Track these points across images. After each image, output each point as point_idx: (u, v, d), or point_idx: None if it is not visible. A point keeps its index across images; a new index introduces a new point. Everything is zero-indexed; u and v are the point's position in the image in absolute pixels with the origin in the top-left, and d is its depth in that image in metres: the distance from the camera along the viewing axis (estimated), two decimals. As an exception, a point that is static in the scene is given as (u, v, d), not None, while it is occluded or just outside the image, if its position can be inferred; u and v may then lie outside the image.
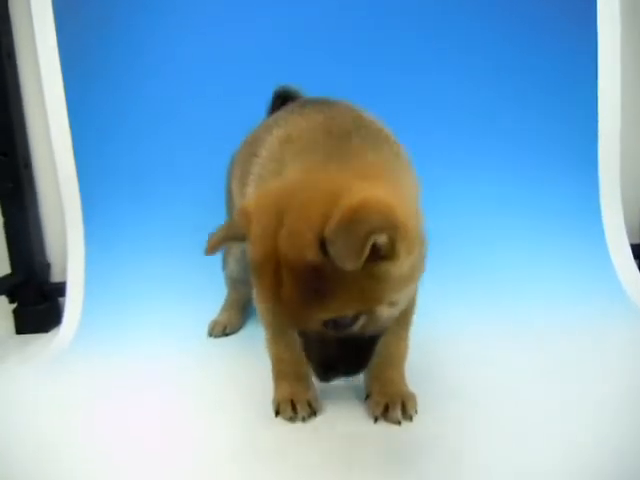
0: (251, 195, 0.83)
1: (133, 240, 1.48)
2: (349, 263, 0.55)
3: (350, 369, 0.71)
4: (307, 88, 1.16)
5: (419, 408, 0.87)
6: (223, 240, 0.69)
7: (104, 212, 1.49)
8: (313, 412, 0.88)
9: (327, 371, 0.69)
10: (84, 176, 1.50)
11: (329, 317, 0.63)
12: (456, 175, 1.49)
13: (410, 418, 0.85)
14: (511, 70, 1.49)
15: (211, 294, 1.35)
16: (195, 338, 1.27)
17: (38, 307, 1.49)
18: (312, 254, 0.59)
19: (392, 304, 0.66)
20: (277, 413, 0.88)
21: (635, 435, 0.80)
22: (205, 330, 1.30)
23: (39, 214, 1.54)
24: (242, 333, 1.30)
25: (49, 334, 1.44)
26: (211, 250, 0.68)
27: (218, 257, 1.29)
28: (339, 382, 0.95)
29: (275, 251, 0.62)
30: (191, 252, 1.38)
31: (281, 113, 0.96)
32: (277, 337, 0.90)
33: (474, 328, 1.22)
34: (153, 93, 1.48)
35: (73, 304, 1.44)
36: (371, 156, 0.73)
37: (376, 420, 0.86)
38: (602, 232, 1.48)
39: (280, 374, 0.92)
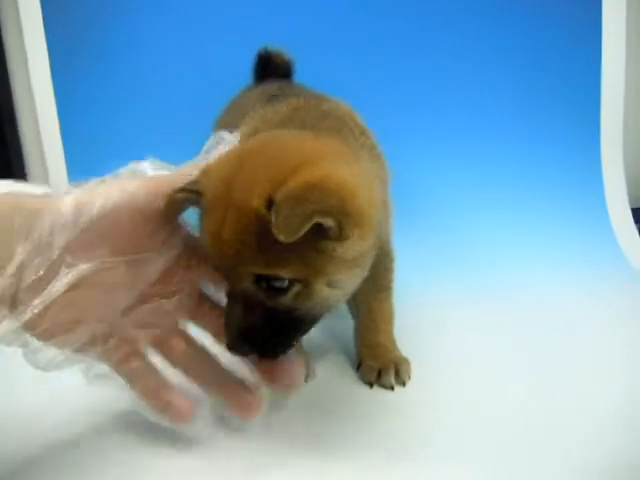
0: None
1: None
2: (283, 235, 0.52)
3: (267, 348, 0.63)
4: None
5: (412, 374, 0.86)
6: (179, 192, 0.61)
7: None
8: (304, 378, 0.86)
9: (242, 342, 0.61)
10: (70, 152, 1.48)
11: (263, 272, 0.58)
12: (448, 135, 1.46)
13: (403, 383, 0.84)
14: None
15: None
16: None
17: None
18: (260, 204, 0.55)
19: (332, 285, 0.61)
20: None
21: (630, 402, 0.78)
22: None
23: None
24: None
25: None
26: (168, 204, 0.61)
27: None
28: (330, 348, 0.97)
29: (227, 193, 0.58)
30: None
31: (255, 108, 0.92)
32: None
33: (466, 294, 1.18)
34: (138, 59, 1.45)
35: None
36: (336, 142, 0.69)
37: (372, 386, 0.84)
38: (602, 196, 1.45)
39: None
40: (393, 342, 0.90)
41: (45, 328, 0.56)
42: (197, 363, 0.68)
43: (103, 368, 0.64)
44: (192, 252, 0.66)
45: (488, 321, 1.07)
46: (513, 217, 1.42)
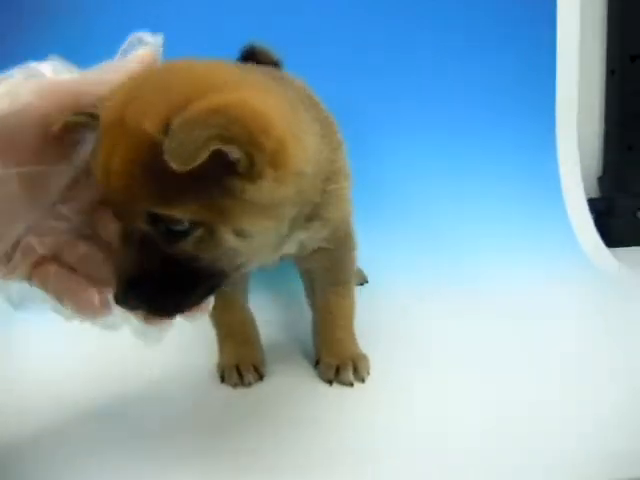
0: None
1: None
2: (176, 162, 0.43)
3: (160, 304, 0.53)
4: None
5: (371, 370, 0.84)
6: (76, 115, 0.51)
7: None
8: (260, 377, 0.83)
9: (132, 293, 0.51)
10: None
11: (157, 211, 0.49)
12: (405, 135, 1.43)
13: (362, 380, 0.81)
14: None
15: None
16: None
17: None
18: (154, 129, 0.47)
19: (240, 234, 0.52)
20: (222, 379, 0.82)
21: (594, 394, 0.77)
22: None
23: None
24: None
25: None
26: (62, 128, 0.50)
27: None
28: (288, 344, 0.94)
29: (120, 119, 0.49)
30: None
31: None
32: (220, 298, 0.84)
33: (428, 286, 1.18)
34: None
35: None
36: (266, 77, 0.61)
37: (331, 383, 0.81)
38: (559, 185, 1.46)
39: (225, 337, 0.86)
40: (352, 338, 0.87)
41: None
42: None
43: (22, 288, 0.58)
44: None
45: (450, 314, 1.06)
46: (474, 209, 1.41)
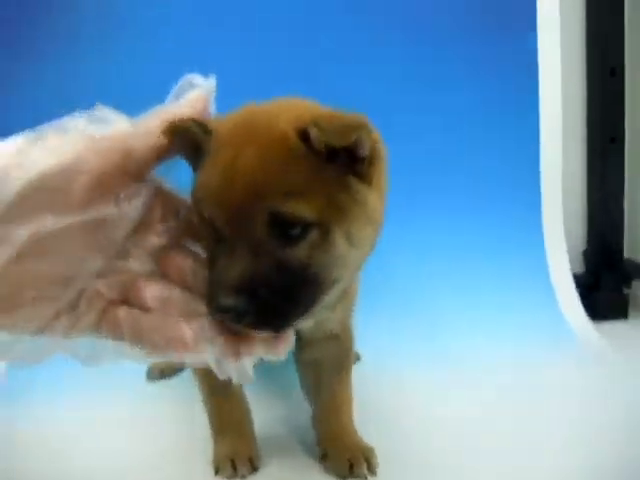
0: None
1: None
2: (335, 138, 0.49)
3: (270, 312, 0.51)
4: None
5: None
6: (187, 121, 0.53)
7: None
8: (254, 469, 0.84)
9: (241, 294, 0.49)
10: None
11: (281, 208, 0.50)
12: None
13: (375, 473, 0.83)
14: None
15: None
16: (131, 382, 1.19)
17: None
18: (290, 129, 0.51)
19: (349, 238, 0.53)
20: (217, 471, 0.83)
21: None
22: (143, 373, 1.23)
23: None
24: (183, 375, 1.22)
25: None
26: (169, 131, 0.50)
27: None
28: (284, 434, 0.95)
29: (248, 127, 0.53)
30: None
31: None
32: (214, 389, 0.86)
33: (413, 362, 1.20)
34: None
35: None
36: None
37: (345, 479, 0.82)
38: (544, 261, 1.50)
39: (219, 429, 0.87)
40: (354, 428, 0.88)
41: None
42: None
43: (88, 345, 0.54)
44: (166, 206, 0.55)
45: (436, 389, 1.08)
46: (458, 284, 1.44)
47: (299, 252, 0.51)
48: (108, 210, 0.50)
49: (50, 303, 0.49)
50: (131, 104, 0.51)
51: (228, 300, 0.48)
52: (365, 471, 0.82)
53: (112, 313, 0.52)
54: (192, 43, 1.40)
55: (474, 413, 0.97)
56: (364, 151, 0.53)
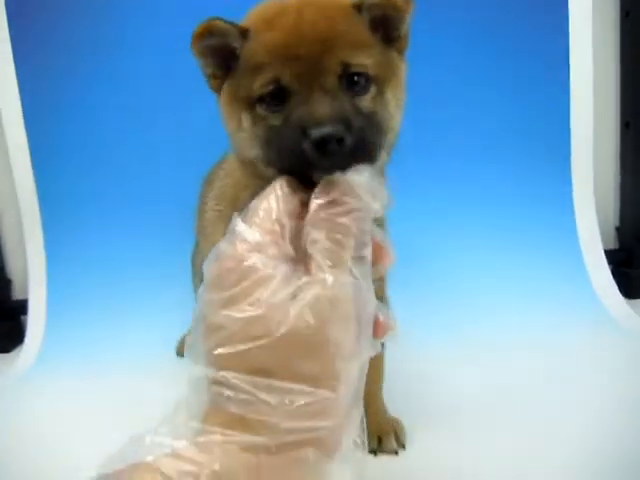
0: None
1: (95, 253, 1.44)
2: (391, 9, 0.60)
3: (358, 145, 0.55)
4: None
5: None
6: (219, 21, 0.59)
7: (64, 225, 1.45)
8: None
9: (341, 126, 0.53)
10: (43, 190, 1.45)
11: (350, 59, 0.57)
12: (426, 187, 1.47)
13: (403, 446, 0.84)
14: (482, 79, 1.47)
15: (180, 310, 1.30)
16: (162, 357, 1.22)
17: (-1, 327, 1.44)
18: (346, 2, 0.60)
19: (394, 98, 0.62)
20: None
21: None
22: (173, 348, 1.25)
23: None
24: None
25: (11, 354, 1.39)
26: (204, 28, 0.59)
27: (187, 271, 1.25)
28: None
29: (297, 2, 0.60)
30: (156, 266, 1.39)
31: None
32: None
33: (446, 345, 1.19)
34: (115, 115, 1.45)
35: (35, 322, 1.39)
36: None
37: (375, 453, 0.83)
38: (576, 238, 1.47)
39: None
40: (384, 404, 0.89)
41: None
42: None
43: None
44: None
45: (467, 367, 1.08)
46: (492, 262, 1.42)
47: (366, 101, 0.59)
48: None
49: None
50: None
51: (326, 128, 0.52)
52: (394, 445, 0.83)
53: None
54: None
55: (505, 390, 0.97)
56: (406, 27, 0.63)
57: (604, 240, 1.48)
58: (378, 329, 0.52)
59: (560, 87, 1.49)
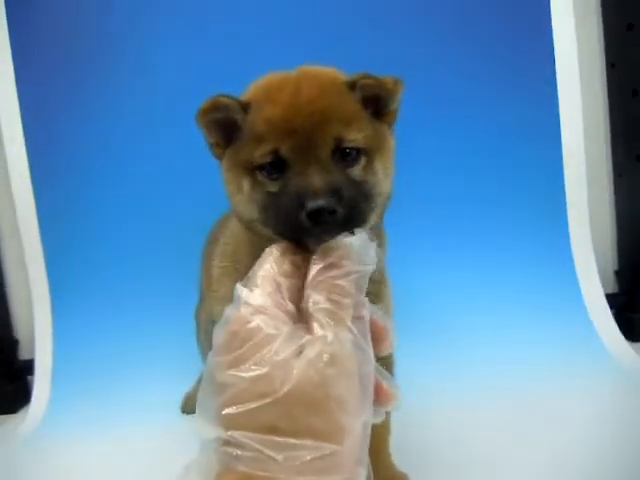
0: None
1: (101, 314, 1.45)
2: (392, 83, 0.66)
3: (349, 213, 0.59)
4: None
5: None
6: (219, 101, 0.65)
7: (71, 286, 1.48)
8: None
9: (333, 199, 0.57)
10: (51, 253, 1.49)
11: (344, 134, 0.62)
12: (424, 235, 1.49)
13: None
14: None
15: (185, 367, 1.31)
16: (168, 414, 1.22)
17: (6, 388, 1.44)
18: (340, 79, 0.66)
19: (384, 170, 0.66)
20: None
21: None
22: (178, 405, 1.25)
23: (5, 290, 1.52)
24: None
25: (18, 415, 1.39)
26: (210, 105, 0.65)
27: (192, 329, 1.26)
28: None
29: (295, 77, 0.65)
30: (162, 325, 1.40)
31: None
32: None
33: (450, 392, 1.19)
34: (123, 181, 1.49)
35: (41, 382, 1.40)
36: None
37: None
38: (576, 283, 1.49)
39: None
40: (390, 456, 0.89)
41: None
42: None
43: None
44: None
45: (469, 411, 1.09)
46: (491, 306, 1.44)
47: (357, 171, 0.64)
48: None
49: None
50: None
51: (320, 201, 0.57)
52: None
53: None
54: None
55: (508, 435, 0.97)
56: (396, 104, 0.68)
57: (604, 284, 1.49)
58: (382, 396, 0.53)
59: (551, 128, 1.52)
